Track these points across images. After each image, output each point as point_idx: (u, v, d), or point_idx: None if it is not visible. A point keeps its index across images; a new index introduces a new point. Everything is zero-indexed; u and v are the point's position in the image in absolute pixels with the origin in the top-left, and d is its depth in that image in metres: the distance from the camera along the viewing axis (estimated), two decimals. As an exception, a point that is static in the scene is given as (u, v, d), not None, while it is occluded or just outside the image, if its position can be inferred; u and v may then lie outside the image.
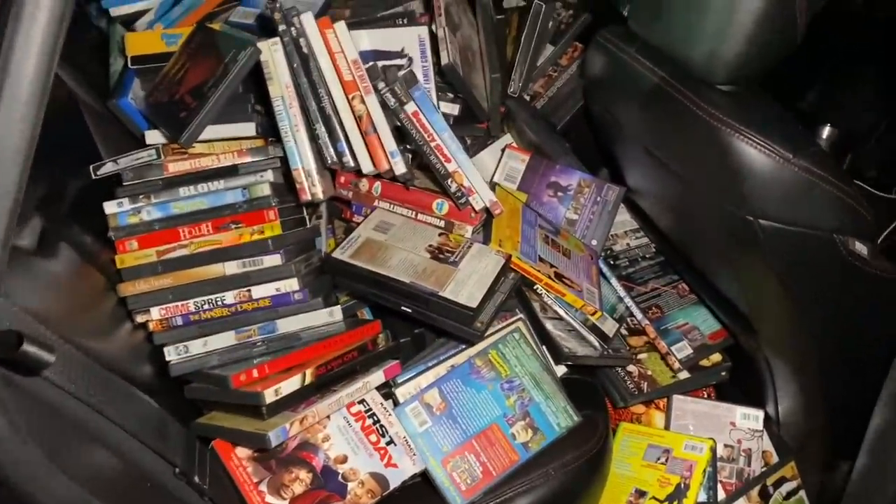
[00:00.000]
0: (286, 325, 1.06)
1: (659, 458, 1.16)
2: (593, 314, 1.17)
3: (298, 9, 1.04)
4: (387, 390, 1.09)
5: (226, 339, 1.05)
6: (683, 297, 1.30)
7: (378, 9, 1.24)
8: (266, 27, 1.16)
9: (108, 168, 1.05)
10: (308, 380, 1.00)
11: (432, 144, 1.08)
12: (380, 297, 1.07)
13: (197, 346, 1.04)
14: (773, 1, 0.87)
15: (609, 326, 1.20)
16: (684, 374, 1.24)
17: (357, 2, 1.27)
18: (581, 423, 1.09)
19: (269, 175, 1.06)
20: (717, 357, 1.27)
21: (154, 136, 1.11)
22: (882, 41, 1.50)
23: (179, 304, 1.04)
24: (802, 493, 1.21)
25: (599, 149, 1.34)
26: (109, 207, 1.04)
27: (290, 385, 0.98)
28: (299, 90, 1.05)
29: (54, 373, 0.67)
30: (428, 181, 1.20)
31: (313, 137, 1.07)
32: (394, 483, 1.01)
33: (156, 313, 1.03)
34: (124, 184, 1.06)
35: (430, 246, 1.11)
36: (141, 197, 1.04)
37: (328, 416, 1.03)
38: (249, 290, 1.04)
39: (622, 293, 1.27)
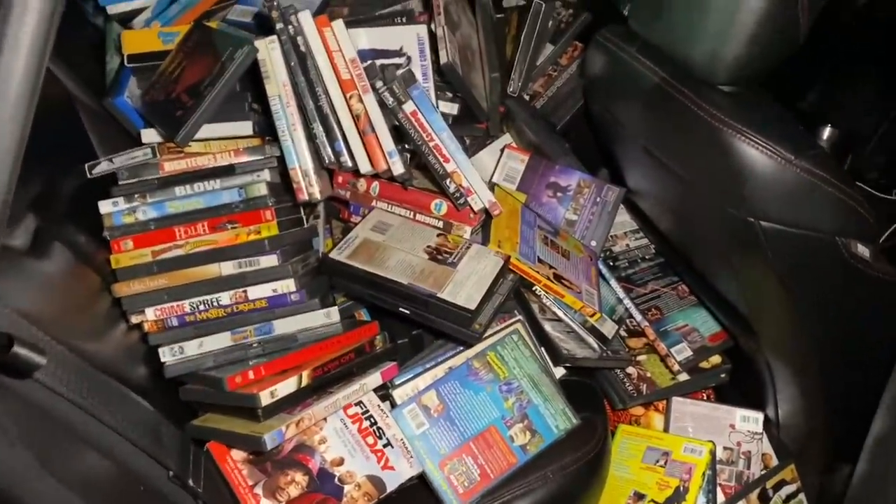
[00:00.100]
0: (283, 327, 1.05)
1: (658, 461, 1.15)
2: (592, 316, 1.16)
3: (296, 7, 1.03)
4: (384, 392, 1.09)
5: (221, 341, 1.04)
6: (683, 299, 1.30)
7: (376, 7, 1.24)
8: (263, 25, 1.16)
9: (104, 167, 1.04)
10: (305, 382, 1.00)
11: (431, 144, 1.07)
12: (377, 298, 1.06)
13: (192, 348, 1.04)
14: (775, 1, 0.86)
15: (608, 328, 1.19)
16: (684, 376, 1.23)
17: (355, 0, 1.26)
18: (580, 425, 1.08)
19: (266, 174, 1.06)
20: (716, 359, 1.26)
21: (150, 135, 1.10)
22: (883, 41, 1.50)
23: (175, 304, 1.03)
24: (802, 496, 1.21)
25: (599, 149, 1.34)
26: (104, 207, 1.03)
27: (287, 387, 0.98)
28: (297, 89, 1.04)
29: (46, 375, 0.67)
30: (426, 181, 1.19)
31: (311, 137, 1.06)
32: (391, 486, 1.01)
33: (151, 314, 1.03)
34: (120, 183, 1.05)
35: (429, 247, 1.10)
36: (136, 196, 1.04)
37: (325, 419, 1.03)
38: (246, 291, 1.04)
39: (621, 294, 1.26)
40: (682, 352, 1.21)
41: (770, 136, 0.90)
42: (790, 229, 0.94)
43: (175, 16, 1.28)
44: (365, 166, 1.07)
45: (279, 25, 1.02)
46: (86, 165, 1.04)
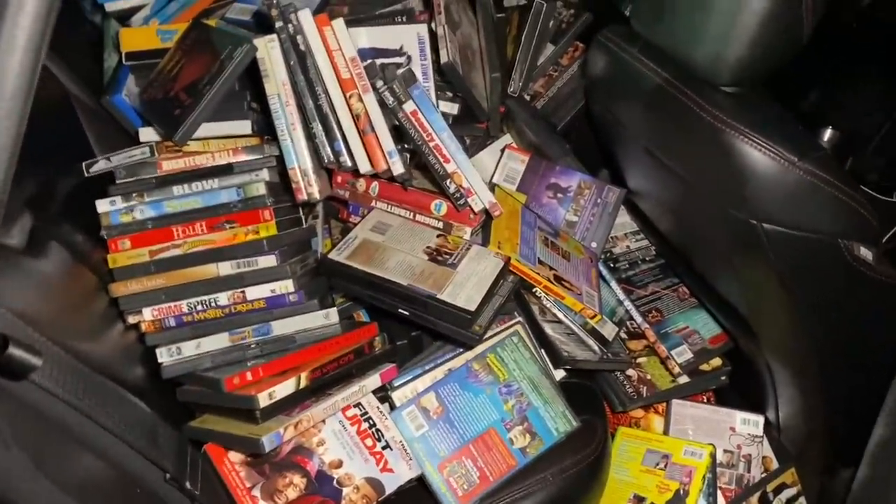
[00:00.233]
0: (281, 328, 1.05)
1: (658, 464, 1.15)
2: (593, 317, 1.15)
3: (296, 5, 1.02)
4: (383, 394, 1.08)
5: (219, 341, 1.04)
6: (684, 301, 1.29)
7: (377, 6, 1.23)
8: (263, 24, 1.15)
9: (101, 166, 1.04)
10: (303, 383, 0.99)
11: (431, 144, 1.07)
12: (376, 299, 1.05)
13: (190, 348, 1.03)
14: (779, 2, 0.86)
15: (608, 330, 1.18)
16: (684, 379, 1.23)
17: (355, -1, 1.25)
18: (580, 428, 1.08)
19: (265, 174, 1.05)
20: (717, 361, 1.26)
21: (148, 134, 1.10)
22: (884, 42, 1.49)
23: (172, 304, 1.02)
24: (802, 499, 1.20)
25: (600, 150, 1.33)
26: (102, 206, 1.03)
27: (285, 388, 0.97)
28: (296, 88, 1.04)
29: (41, 376, 0.66)
30: (426, 181, 1.19)
31: (310, 136, 1.05)
32: (389, 488, 1.00)
33: (148, 314, 1.02)
34: (117, 182, 1.04)
35: (428, 247, 1.10)
36: (134, 195, 1.03)
37: (323, 420, 1.02)
38: (244, 292, 1.03)
39: (622, 296, 1.25)
40: (683, 354, 1.21)
41: (772, 138, 0.90)
42: (792, 231, 0.93)
43: (174, 13, 1.27)
44: (364, 166, 1.06)
45: (279, 24, 1.02)
46: (83, 164, 1.03)
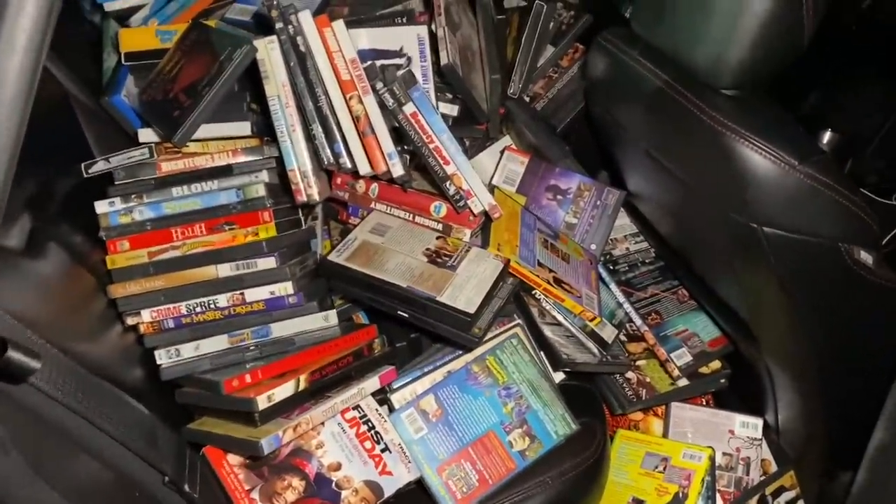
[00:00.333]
0: (280, 329, 1.05)
1: (657, 467, 1.14)
2: (592, 320, 1.15)
3: (296, 6, 1.02)
4: (382, 396, 1.08)
5: (218, 343, 1.03)
6: (683, 303, 1.29)
7: (377, 7, 1.23)
8: (263, 25, 1.15)
9: (100, 166, 1.03)
10: (302, 385, 0.99)
11: (431, 146, 1.06)
12: (376, 301, 1.05)
13: (189, 350, 1.03)
14: (780, 4, 0.86)
15: (608, 332, 1.18)
16: (683, 382, 1.23)
17: (356, 0, 1.25)
18: (579, 430, 1.08)
19: (264, 175, 1.05)
20: (716, 364, 1.26)
21: (147, 135, 1.09)
22: (884, 44, 1.49)
23: (171, 306, 1.02)
24: (801, 502, 1.20)
25: (600, 152, 1.33)
26: (101, 207, 1.02)
27: (284, 391, 0.97)
28: (296, 89, 1.03)
29: (40, 379, 0.66)
30: (426, 183, 1.18)
31: (310, 138, 1.05)
32: (388, 491, 1.00)
33: (147, 315, 1.02)
34: (116, 183, 1.04)
35: (428, 249, 1.09)
36: (133, 196, 1.03)
37: (322, 423, 1.02)
38: (243, 293, 1.03)
39: (621, 299, 1.25)
40: (682, 357, 1.21)
41: (773, 141, 0.90)
42: (792, 235, 0.93)
43: (173, 14, 1.27)
44: (364, 168, 1.06)
45: (279, 25, 1.01)
46: (82, 165, 1.03)
